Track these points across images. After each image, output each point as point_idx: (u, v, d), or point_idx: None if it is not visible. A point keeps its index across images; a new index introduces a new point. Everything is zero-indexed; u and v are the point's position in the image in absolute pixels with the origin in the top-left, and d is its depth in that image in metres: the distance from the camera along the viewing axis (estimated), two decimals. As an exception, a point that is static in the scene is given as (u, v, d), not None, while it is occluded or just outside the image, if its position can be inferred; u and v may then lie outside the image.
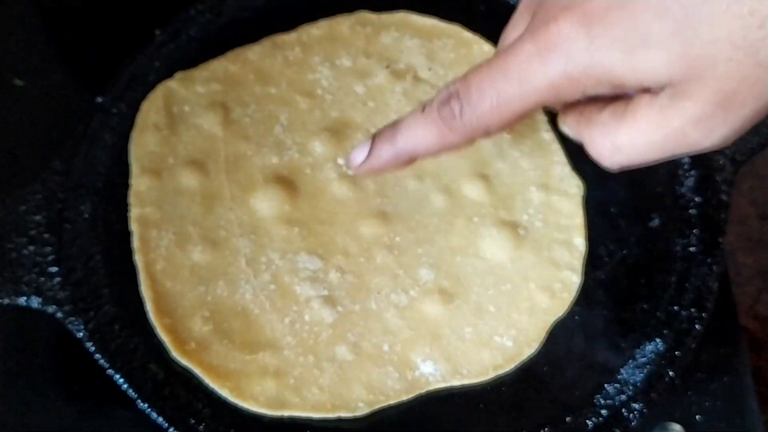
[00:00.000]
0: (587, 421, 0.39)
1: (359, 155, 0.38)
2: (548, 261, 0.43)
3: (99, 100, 0.46)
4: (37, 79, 0.52)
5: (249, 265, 0.42)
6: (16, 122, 0.50)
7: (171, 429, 0.38)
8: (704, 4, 0.29)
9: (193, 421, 0.38)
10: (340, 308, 0.41)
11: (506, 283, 0.43)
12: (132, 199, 0.44)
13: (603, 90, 0.32)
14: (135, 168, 0.44)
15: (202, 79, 0.48)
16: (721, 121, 0.31)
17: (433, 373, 0.40)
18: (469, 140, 0.36)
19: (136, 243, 0.42)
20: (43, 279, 0.40)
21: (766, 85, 0.30)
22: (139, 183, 0.44)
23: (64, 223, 0.42)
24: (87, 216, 0.43)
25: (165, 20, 0.50)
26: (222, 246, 0.43)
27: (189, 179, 0.44)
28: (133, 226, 0.43)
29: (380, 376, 0.40)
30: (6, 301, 0.39)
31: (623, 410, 0.39)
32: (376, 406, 0.39)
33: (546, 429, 0.39)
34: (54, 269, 0.41)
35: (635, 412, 0.39)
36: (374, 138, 0.38)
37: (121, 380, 0.39)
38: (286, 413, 0.39)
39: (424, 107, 0.36)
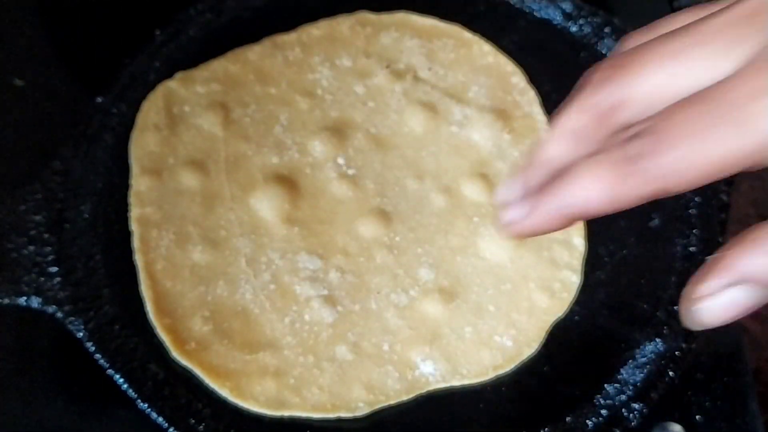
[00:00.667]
0: (587, 421, 0.39)
1: (515, 215, 0.29)
2: (548, 261, 0.43)
3: (99, 100, 0.46)
4: (37, 79, 0.51)
5: (249, 264, 0.42)
6: (16, 122, 0.50)
7: (171, 429, 0.38)
8: None
9: (193, 421, 0.38)
10: (339, 308, 0.42)
11: (506, 283, 0.43)
12: (132, 198, 0.44)
13: None
14: (135, 168, 0.44)
15: (202, 79, 0.48)
16: None
17: (433, 373, 0.40)
18: (643, 197, 0.26)
19: (136, 243, 0.42)
20: (43, 279, 0.40)
21: None
22: (139, 183, 0.44)
23: (64, 223, 0.42)
24: (87, 216, 0.43)
25: (165, 20, 0.50)
26: (222, 246, 0.43)
27: (189, 179, 0.44)
28: (134, 226, 0.43)
29: (380, 375, 0.40)
30: (6, 301, 0.39)
31: (623, 410, 0.39)
32: (376, 406, 0.39)
33: (546, 429, 0.39)
34: (54, 269, 0.41)
35: (635, 412, 0.39)
36: (534, 192, 0.28)
37: (121, 380, 0.39)
38: (286, 413, 0.39)
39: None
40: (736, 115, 0.24)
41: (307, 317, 0.41)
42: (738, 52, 0.25)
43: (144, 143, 0.45)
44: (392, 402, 0.40)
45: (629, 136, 0.25)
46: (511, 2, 0.51)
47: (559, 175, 0.27)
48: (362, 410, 0.39)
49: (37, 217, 0.42)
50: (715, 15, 0.26)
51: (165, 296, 0.41)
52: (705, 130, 0.24)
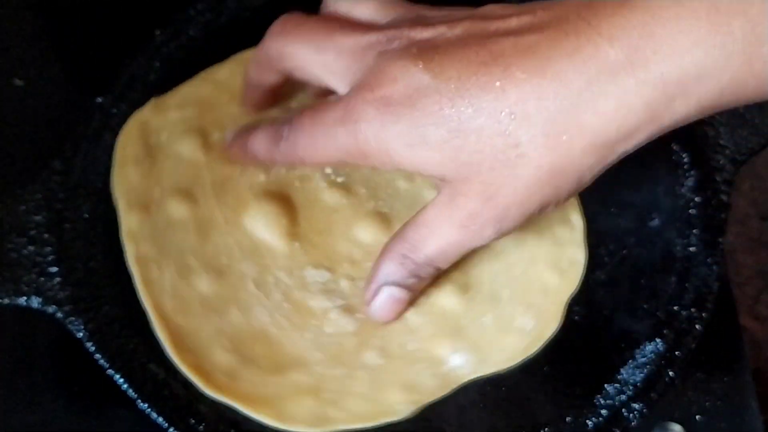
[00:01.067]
0: (587, 421, 0.39)
1: (228, 135, 0.44)
2: (551, 240, 0.43)
3: (99, 100, 0.46)
4: (37, 79, 0.51)
5: (258, 287, 0.42)
6: (16, 122, 0.50)
7: (171, 429, 0.38)
8: (474, 120, 0.33)
9: (193, 421, 0.38)
10: (358, 315, 0.41)
11: (515, 267, 0.43)
12: (125, 238, 0.42)
13: (390, 170, 0.38)
14: (121, 205, 0.43)
15: (175, 105, 0.46)
16: (491, 219, 0.36)
17: (463, 365, 0.40)
18: (289, 163, 0.43)
19: (139, 285, 0.41)
20: (43, 279, 0.40)
21: (525, 195, 0.35)
22: (129, 221, 0.42)
23: (64, 223, 0.42)
24: (87, 216, 0.43)
25: (165, 20, 0.50)
26: (226, 273, 0.42)
27: (179, 209, 0.43)
28: (133, 268, 0.41)
29: (414, 375, 0.40)
30: (6, 301, 0.39)
31: (623, 410, 0.39)
32: (418, 406, 0.39)
33: (546, 429, 0.39)
34: (54, 269, 0.41)
35: (635, 412, 0.39)
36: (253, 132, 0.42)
37: (121, 380, 0.39)
38: (331, 428, 0.38)
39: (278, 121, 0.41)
40: (335, 130, 0.36)
41: (328, 330, 0.41)
42: (350, 78, 0.37)
43: (126, 179, 0.43)
44: (432, 399, 0.39)
45: (283, 119, 0.40)
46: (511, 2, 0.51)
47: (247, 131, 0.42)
48: (404, 412, 0.39)
49: (37, 217, 0.42)
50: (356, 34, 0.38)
51: (181, 334, 0.40)
52: (318, 132, 0.37)
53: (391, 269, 0.39)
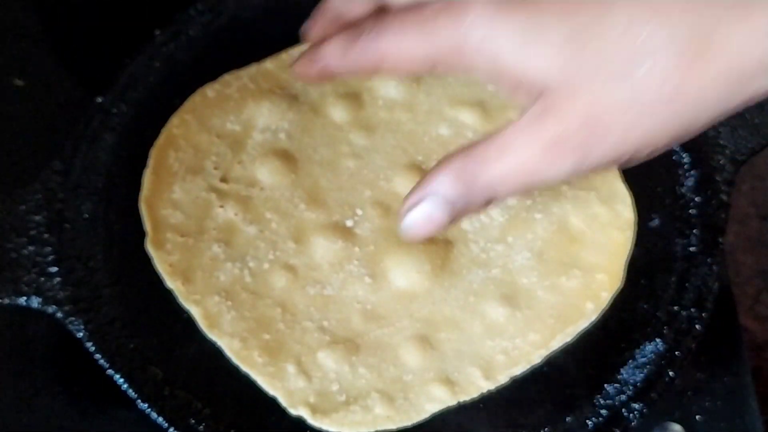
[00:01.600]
0: (587, 421, 0.39)
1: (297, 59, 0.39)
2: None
3: (99, 100, 0.46)
4: (37, 79, 0.52)
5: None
6: (16, 122, 0.50)
7: (171, 429, 0.38)
8: (602, 19, 0.30)
9: (193, 421, 0.38)
10: (442, 335, 0.41)
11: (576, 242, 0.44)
12: (187, 303, 0.41)
13: (484, 76, 0.34)
14: (166, 275, 0.42)
15: (169, 201, 0.44)
16: (579, 147, 0.31)
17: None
18: (365, 66, 0.36)
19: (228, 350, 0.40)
20: (43, 279, 0.40)
21: (632, 122, 0.31)
22: (178, 287, 0.42)
23: (64, 223, 0.42)
24: (87, 216, 0.43)
25: (165, 20, 0.50)
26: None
27: (228, 273, 0.42)
28: (222, 342, 0.40)
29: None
30: (6, 301, 0.39)
31: (623, 410, 0.39)
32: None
33: (546, 429, 0.39)
34: (54, 269, 0.41)
35: (635, 412, 0.39)
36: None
37: (121, 380, 0.39)
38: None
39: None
40: (432, 23, 0.32)
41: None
42: None
43: (163, 257, 0.42)
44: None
45: (362, 25, 0.35)
46: (511, 2, 0.51)
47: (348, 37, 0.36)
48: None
49: (37, 217, 0.42)
50: None
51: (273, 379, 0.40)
52: (410, 26, 0.33)
53: (445, 184, 0.34)
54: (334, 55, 0.36)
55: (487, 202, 0.34)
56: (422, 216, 0.34)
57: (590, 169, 0.32)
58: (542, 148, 0.32)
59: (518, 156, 0.32)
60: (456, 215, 0.34)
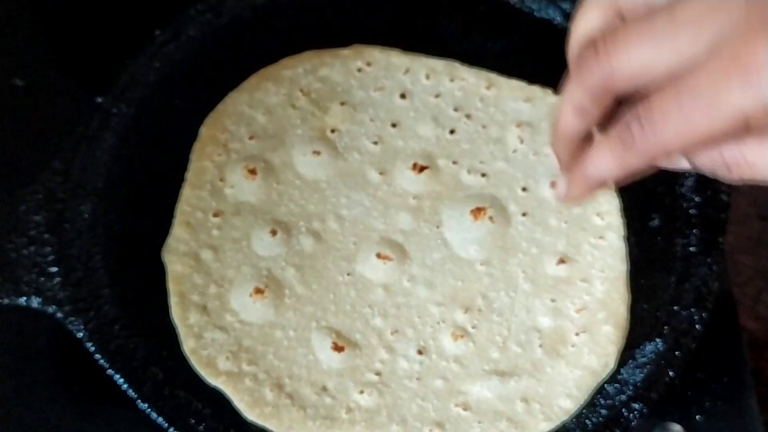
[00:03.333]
0: (587, 421, 0.39)
1: (561, 188, 0.38)
2: None
3: (99, 100, 0.46)
4: (37, 79, 0.52)
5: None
6: (16, 122, 0.50)
7: (171, 429, 0.38)
8: None
9: (193, 421, 0.38)
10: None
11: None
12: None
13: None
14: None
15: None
16: None
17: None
18: (651, 162, 0.33)
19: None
20: (43, 279, 0.40)
21: None
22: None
23: (64, 223, 0.42)
24: (87, 216, 0.43)
25: (165, 20, 0.50)
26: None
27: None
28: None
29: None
30: (6, 301, 0.39)
31: (623, 410, 0.39)
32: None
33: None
34: (54, 269, 0.41)
35: (635, 412, 0.39)
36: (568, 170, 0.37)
37: (121, 380, 0.39)
38: None
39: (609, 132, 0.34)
40: (717, 89, 0.29)
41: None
42: (707, 36, 0.29)
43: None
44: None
45: (623, 123, 0.32)
46: (511, 2, 0.51)
47: (581, 153, 0.35)
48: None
49: (37, 217, 0.42)
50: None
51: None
52: (688, 100, 0.29)
53: (606, 161, 0.33)
54: (607, 165, 0.34)
55: (654, 161, 0.33)
56: (579, 190, 0.36)
57: None
58: None
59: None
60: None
